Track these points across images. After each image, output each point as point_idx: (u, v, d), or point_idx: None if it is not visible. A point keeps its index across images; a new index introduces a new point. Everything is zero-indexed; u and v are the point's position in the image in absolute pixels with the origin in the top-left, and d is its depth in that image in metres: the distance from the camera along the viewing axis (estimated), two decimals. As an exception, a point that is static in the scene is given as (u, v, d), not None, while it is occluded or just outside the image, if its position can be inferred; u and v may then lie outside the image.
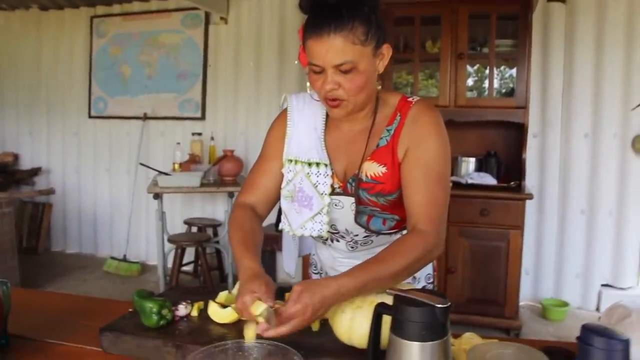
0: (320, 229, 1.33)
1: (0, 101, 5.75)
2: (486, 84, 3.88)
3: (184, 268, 4.35)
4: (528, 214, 3.55)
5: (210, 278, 4.05)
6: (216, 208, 4.92)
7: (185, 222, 4.61)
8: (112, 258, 5.02)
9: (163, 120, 5.08)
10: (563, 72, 3.95)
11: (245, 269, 1.19)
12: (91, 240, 5.51)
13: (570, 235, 4.00)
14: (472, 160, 3.82)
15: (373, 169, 1.30)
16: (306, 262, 1.83)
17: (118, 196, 5.33)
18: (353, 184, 1.32)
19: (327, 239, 1.43)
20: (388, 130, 1.31)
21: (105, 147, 5.36)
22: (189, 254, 4.51)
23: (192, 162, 4.40)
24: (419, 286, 1.47)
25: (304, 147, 1.36)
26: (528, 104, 3.56)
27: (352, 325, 1.10)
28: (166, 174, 3.99)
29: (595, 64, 3.86)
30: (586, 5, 3.83)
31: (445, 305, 0.87)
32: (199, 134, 4.64)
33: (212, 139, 4.62)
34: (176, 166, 4.19)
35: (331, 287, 1.07)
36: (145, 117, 5.08)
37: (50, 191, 4.82)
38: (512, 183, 3.60)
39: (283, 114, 1.43)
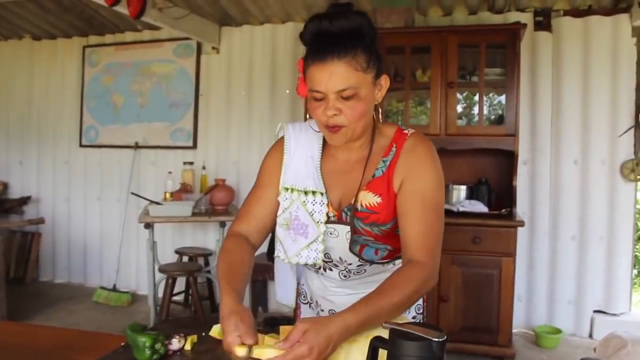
0: (316, 256, 1.34)
1: (-10, 130, 5.74)
2: (476, 112, 3.93)
3: (175, 298, 4.29)
4: (519, 240, 3.56)
5: (201, 308, 4.00)
6: (207, 237, 4.89)
7: (177, 252, 4.57)
8: (102, 288, 4.95)
9: (154, 149, 5.08)
10: (551, 100, 4.02)
11: (224, 306, 1.18)
12: (80, 269, 5.43)
13: (562, 262, 4.01)
14: (463, 188, 3.84)
15: (368, 199, 1.32)
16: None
17: (108, 225, 5.29)
18: (348, 213, 1.34)
19: (319, 268, 1.44)
20: (384, 161, 1.34)
21: (96, 176, 5.34)
22: (180, 284, 4.45)
23: (183, 191, 4.39)
24: (410, 316, 1.48)
25: (301, 175, 1.38)
26: (518, 131, 3.60)
27: (348, 359, 1.09)
28: (157, 203, 3.97)
29: (583, 91, 3.93)
30: (571, 34, 3.92)
31: (441, 339, 0.87)
32: (191, 163, 4.63)
33: (204, 168, 4.61)
34: (167, 195, 4.18)
35: (336, 324, 1.07)
36: (137, 146, 5.07)
37: (40, 221, 4.77)
38: (504, 210, 3.61)
39: (279, 142, 1.45)
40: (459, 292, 3.52)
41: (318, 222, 1.34)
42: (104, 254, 5.31)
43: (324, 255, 1.37)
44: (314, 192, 1.35)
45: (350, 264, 1.38)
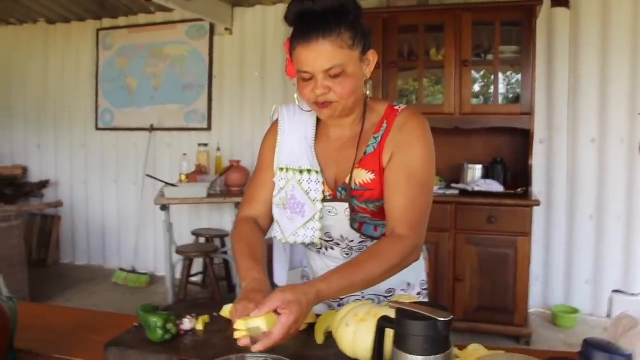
0: (313, 235, 1.34)
1: (9, 114, 5.80)
2: (491, 90, 3.88)
3: (193, 279, 4.35)
4: (536, 220, 3.53)
5: (218, 289, 4.05)
6: (223, 218, 4.93)
7: (193, 233, 4.61)
8: (121, 269, 5.03)
9: (169, 132, 5.11)
10: (568, 78, 3.94)
11: (253, 280, 1.21)
12: (100, 251, 5.52)
13: (580, 241, 3.97)
14: (479, 167, 3.80)
15: (362, 176, 1.32)
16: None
17: (126, 207, 5.35)
18: (343, 192, 1.34)
19: (321, 248, 1.44)
20: (375, 138, 1.34)
21: (113, 159, 5.39)
22: (197, 265, 4.51)
23: (198, 172, 4.41)
24: (414, 292, 1.49)
25: (295, 155, 1.38)
26: (533, 110, 3.55)
27: (356, 338, 1.10)
28: (173, 185, 4.00)
29: (601, 69, 3.85)
30: (590, 10, 3.83)
31: (447, 319, 0.87)
32: (205, 145, 4.65)
33: (219, 149, 4.63)
34: (183, 177, 4.20)
35: (312, 293, 1.11)
36: (152, 129, 5.10)
37: (58, 204, 4.84)
38: (519, 190, 3.58)
39: (274, 124, 1.46)
40: (475, 272, 3.51)
41: (314, 200, 1.34)
42: (122, 236, 5.38)
43: (325, 234, 1.38)
44: (309, 171, 1.35)
45: (352, 241, 1.39)
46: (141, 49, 5.12)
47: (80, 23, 5.42)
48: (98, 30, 5.32)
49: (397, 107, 1.36)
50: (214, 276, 4.03)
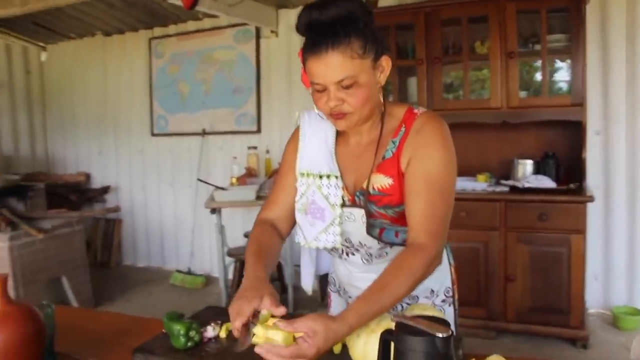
0: (334, 240, 1.35)
1: (72, 124, 6.11)
2: (540, 82, 3.73)
3: (245, 279, 4.42)
4: (594, 216, 3.37)
5: (269, 289, 4.10)
6: (275, 219, 4.97)
7: (245, 235, 4.69)
8: (178, 271, 5.18)
9: (221, 135, 5.21)
10: (625, 64, 3.72)
11: (252, 277, 1.22)
12: (158, 254, 5.72)
13: (642, 238, 3.75)
14: (529, 162, 3.64)
15: (380, 181, 1.31)
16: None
17: (182, 210, 5.51)
18: (361, 197, 1.34)
19: (342, 253, 1.44)
20: (393, 142, 1.32)
21: (168, 164, 5.57)
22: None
23: (248, 175, 4.49)
24: (438, 300, 1.46)
25: (316, 160, 1.39)
26: (585, 100, 3.39)
27: (366, 349, 1.10)
28: (222, 188, 4.09)
29: (662, 53, 3.62)
30: (650, -10, 3.61)
31: (446, 335, 0.84)
32: (255, 148, 4.72)
33: (268, 151, 4.69)
34: (233, 180, 4.29)
35: (343, 329, 1.07)
36: (204, 133, 5.23)
37: (117, 209, 5.06)
38: (572, 185, 3.42)
39: (297, 130, 1.47)
40: (527, 272, 3.38)
41: (334, 205, 1.34)
42: (179, 238, 5.55)
43: (345, 240, 1.38)
44: (328, 176, 1.36)
45: (371, 248, 1.37)
46: (191, 55, 5.26)
47: (134, 33, 5.62)
48: (150, 40, 5.50)
49: (416, 111, 1.34)
50: (264, 277, 4.08)
